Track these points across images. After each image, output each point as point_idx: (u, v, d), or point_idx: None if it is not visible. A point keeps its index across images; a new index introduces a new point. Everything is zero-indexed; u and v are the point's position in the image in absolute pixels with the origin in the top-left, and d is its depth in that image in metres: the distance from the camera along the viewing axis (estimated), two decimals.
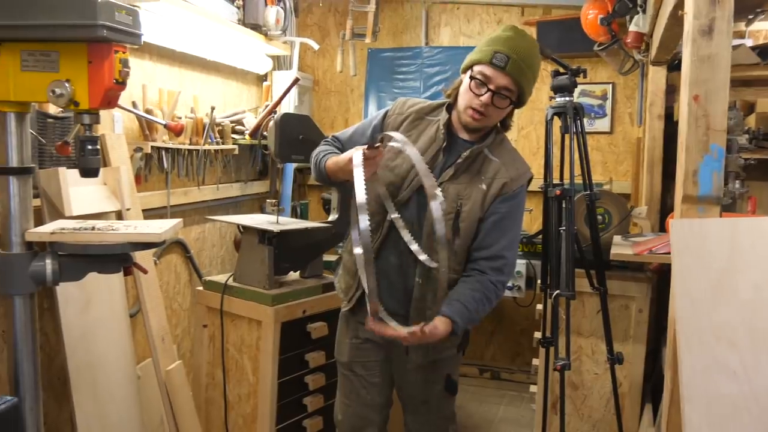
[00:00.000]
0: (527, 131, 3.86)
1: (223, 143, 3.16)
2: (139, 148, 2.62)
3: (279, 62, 3.82)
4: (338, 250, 3.19)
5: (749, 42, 3.09)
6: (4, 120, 1.74)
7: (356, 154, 1.61)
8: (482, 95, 1.73)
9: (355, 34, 3.74)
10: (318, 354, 2.65)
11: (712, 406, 1.25)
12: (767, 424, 1.23)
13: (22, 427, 1.76)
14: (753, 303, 1.30)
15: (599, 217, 2.70)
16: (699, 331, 1.30)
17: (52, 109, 2.14)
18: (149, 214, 2.68)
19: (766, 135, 2.83)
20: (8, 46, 1.67)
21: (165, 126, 2.62)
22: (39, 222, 1.96)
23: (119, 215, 2.37)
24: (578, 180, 2.36)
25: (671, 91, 3.12)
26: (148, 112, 2.66)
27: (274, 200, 2.91)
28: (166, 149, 2.81)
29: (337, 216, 2.61)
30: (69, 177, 2.11)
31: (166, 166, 2.82)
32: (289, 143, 2.60)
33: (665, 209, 3.11)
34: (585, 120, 3.46)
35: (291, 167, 3.73)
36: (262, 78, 3.76)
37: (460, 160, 1.81)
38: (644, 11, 2.78)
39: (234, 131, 3.28)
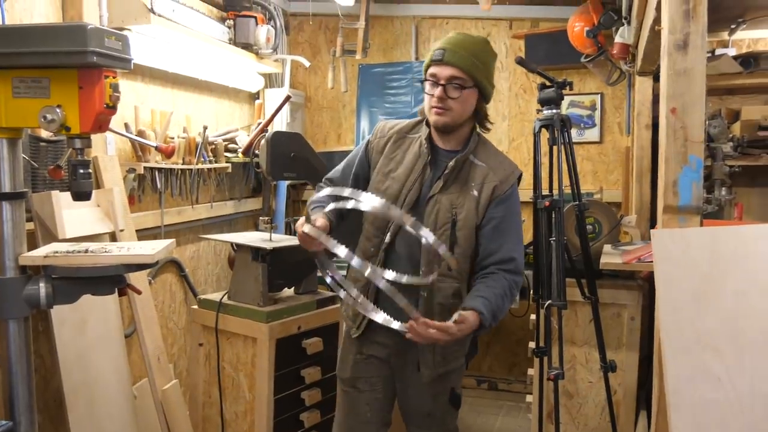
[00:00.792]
0: (518, 143, 3.90)
1: (216, 162, 3.18)
2: (132, 169, 2.65)
3: (271, 80, 3.86)
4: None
5: (732, 51, 3.14)
6: None
7: (299, 232, 1.68)
8: (436, 91, 1.82)
9: (346, 50, 3.79)
10: (314, 369, 2.66)
11: (697, 412, 1.27)
12: (752, 429, 1.25)
13: None
14: (735, 310, 1.32)
15: (589, 227, 2.72)
16: (683, 338, 1.31)
17: (45, 133, 2.17)
18: (143, 234, 2.70)
19: (751, 142, 2.87)
20: (0, 73, 1.69)
21: (156, 148, 2.65)
22: (33, 245, 1.97)
23: (113, 236, 2.38)
24: (568, 191, 2.39)
25: (658, 101, 3.16)
26: (140, 133, 2.68)
27: (267, 218, 2.93)
28: (159, 169, 2.84)
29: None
30: (62, 200, 2.13)
31: (159, 186, 2.85)
32: (281, 161, 2.62)
33: (655, 217, 3.12)
34: (575, 130, 3.51)
35: (284, 184, 3.75)
36: (254, 96, 3.80)
37: (447, 171, 1.85)
38: (629, 23, 2.82)
39: (227, 149, 3.31)
